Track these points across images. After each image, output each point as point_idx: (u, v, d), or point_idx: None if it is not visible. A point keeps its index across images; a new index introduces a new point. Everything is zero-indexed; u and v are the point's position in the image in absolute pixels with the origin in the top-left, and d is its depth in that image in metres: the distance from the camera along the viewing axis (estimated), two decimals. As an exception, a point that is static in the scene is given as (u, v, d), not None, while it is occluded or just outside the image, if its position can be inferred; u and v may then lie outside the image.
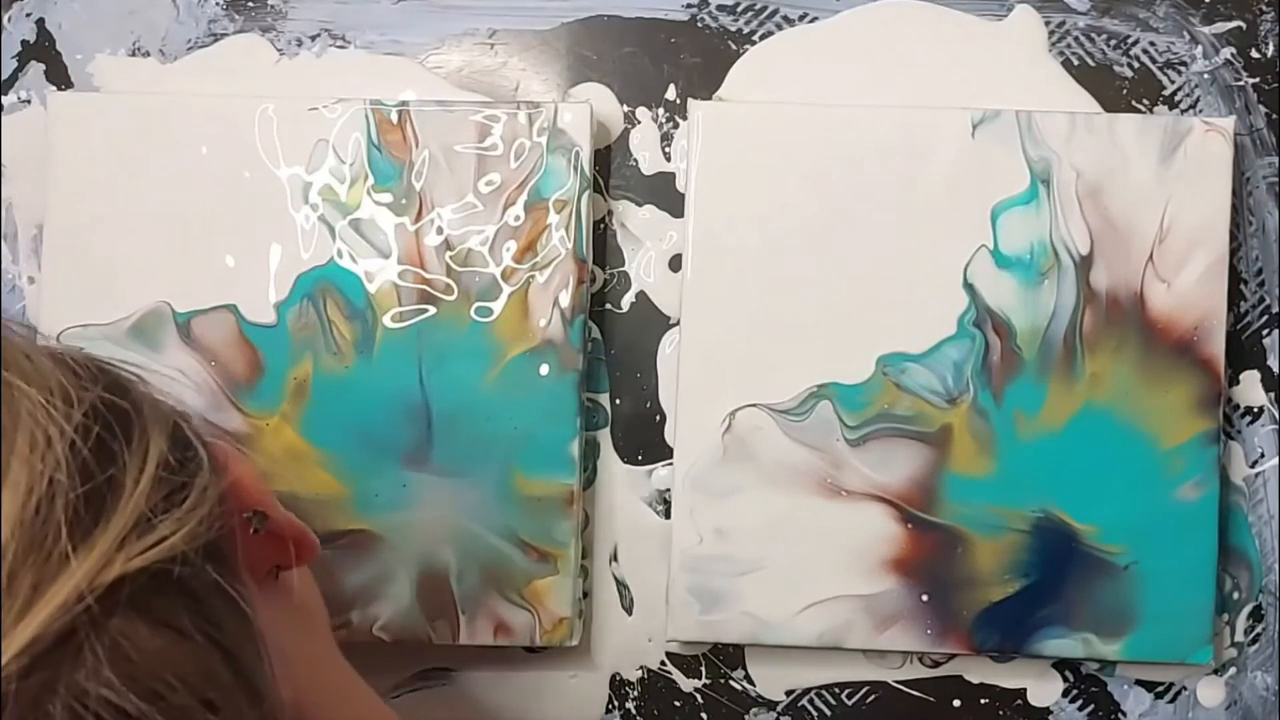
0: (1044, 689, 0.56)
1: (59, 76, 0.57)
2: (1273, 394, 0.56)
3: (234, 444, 0.36)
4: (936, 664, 0.56)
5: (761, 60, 0.57)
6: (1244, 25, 0.57)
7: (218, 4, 0.57)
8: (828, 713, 0.56)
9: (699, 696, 0.56)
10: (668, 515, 0.55)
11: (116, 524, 0.28)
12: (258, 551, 0.36)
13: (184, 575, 0.28)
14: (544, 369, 0.53)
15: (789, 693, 0.56)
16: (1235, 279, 0.56)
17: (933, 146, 0.54)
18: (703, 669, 0.56)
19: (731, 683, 0.56)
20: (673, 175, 0.57)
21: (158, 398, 0.32)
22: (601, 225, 0.57)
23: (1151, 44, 0.57)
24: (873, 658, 0.56)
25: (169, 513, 0.29)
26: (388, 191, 0.54)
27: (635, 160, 0.57)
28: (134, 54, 0.57)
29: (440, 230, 0.54)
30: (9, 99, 0.57)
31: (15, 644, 0.25)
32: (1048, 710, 0.56)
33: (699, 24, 0.57)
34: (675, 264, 0.57)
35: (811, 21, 0.57)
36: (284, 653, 0.32)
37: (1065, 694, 0.56)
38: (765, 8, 0.57)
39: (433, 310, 0.54)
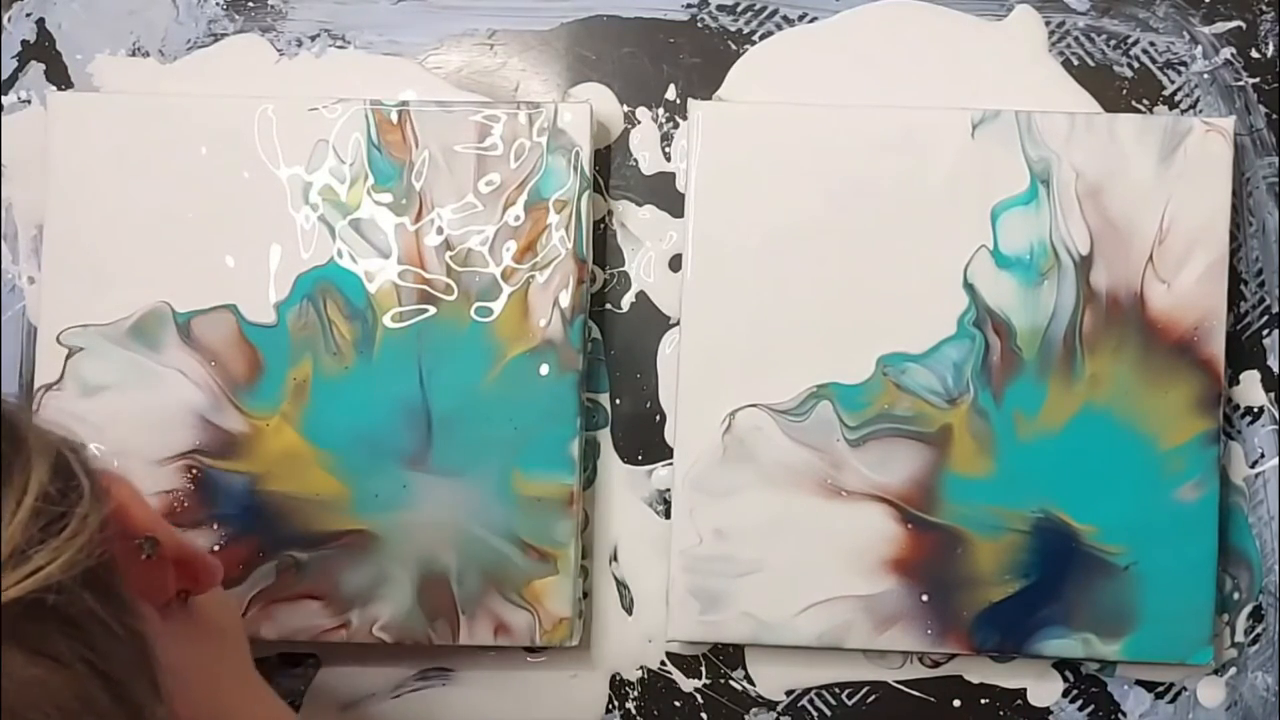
0: (1044, 689, 0.56)
1: (59, 76, 0.57)
2: (1273, 394, 0.56)
3: (118, 473, 0.36)
4: (936, 664, 0.56)
5: (761, 60, 0.57)
6: (1244, 25, 0.57)
7: (218, 4, 0.57)
8: (828, 713, 0.56)
9: (699, 696, 0.56)
10: (668, 515, 0.55)
11: None
12: (155, 577, 0.36)
13: (61, 603, 0.29)
14: (544, 369, 0.53)
15: (789, 693, 0.56)
16: (1235, 279, 0.56)
17: (933, 146, 0.54)
18: (703, 669, 0.56)
19: (731, 683, 0.56)
20: (673, 175, 0.57)
21: (45, 429, 0.33)
22: (601, 225, 0.57)
23: (1151, 44, 0.57)
24: (873, 658, 0.56)
25: (45, 543, 0.29)
26: (388, 191, 0.54)
27: (635, 160, 0.57)
28: (134, 54, 0.57)
29: (440, 230, 0.54)
30: (9, 99, 0.57)
31: None
32: (1048, 710, 0.56)
33: (699, 24, 0.57)
34: (675, 264, 0.57)
35: (811, 21, 0.57)
36: (187, 675, 0.32)
37: (1065, 694, 0.56)
38: (765, 8, 0.57)
39: (433, 310, 0.54)
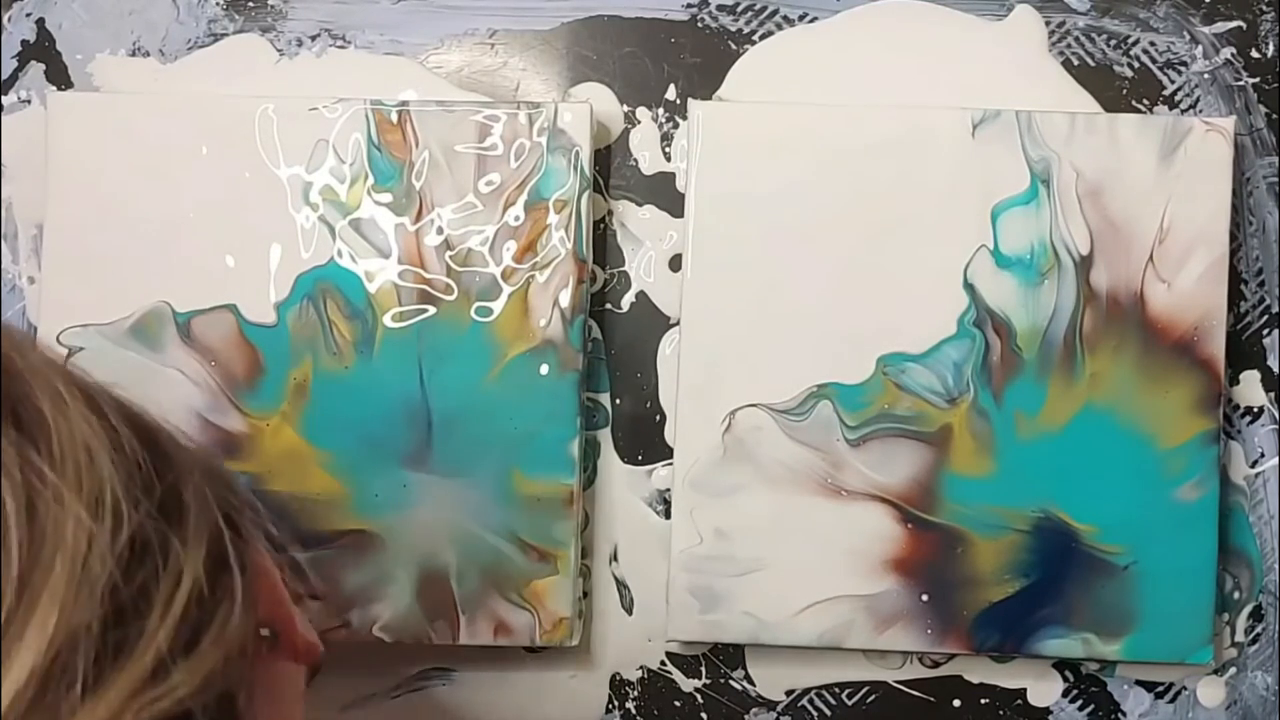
0: (1044, 689, 0.56)
1: (59, 76, 0.57)
2: (1273, 394, 0.56)
3: (257, 547, 0.31)
4: (936, 664, 0.56)
5: (761, 60, 0.57)
6: (1244, 25, 0.57)
7: (218, 4, 0.57)
8: (828, 713, 0.56)
9: (699, 696, 0.56)
10: (668, 515, 0.55)
11: (134, 671, 0.24)
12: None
13: None
14: (544, 369, 0.53)
15: (789, 693, 0.56)
16: (1235, 279, 0.56)
17: (933, 146, 0.54)
18: (703, 669, 0.56)
19: (731, 683, 0.56)
20: (673, 175, 0.57)
21: (207, 491, 0.28)
22: (601, 225, 0.57)
23: (1151, 44, 0.57)
24: (873, 658, 0.56)
25: (189, 655, 0.25)
26: (388, 191, 0.54)
27: (635, 160, 0.57)
28: (134, 54, 0.57)
29: (440, 230, 0.54)
30: (9, 99, 0.57)
31: None
32: (1048, 710, 0.56)
33: (699, 24, 0.57)
34: (675, 264, 0.57)
35: (811, 21, 0.57)
36: None
37: (1065, 694, 0.56)
38: (765, 8, 0.57)
39: (433, 310, 0.54)
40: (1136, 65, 0.57)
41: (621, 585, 0.56)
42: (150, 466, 0.27)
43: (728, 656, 0.56)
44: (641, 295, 0.57)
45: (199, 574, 0.26)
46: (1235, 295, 0.56)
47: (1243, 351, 0.56)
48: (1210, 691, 0.56)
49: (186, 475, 0.28)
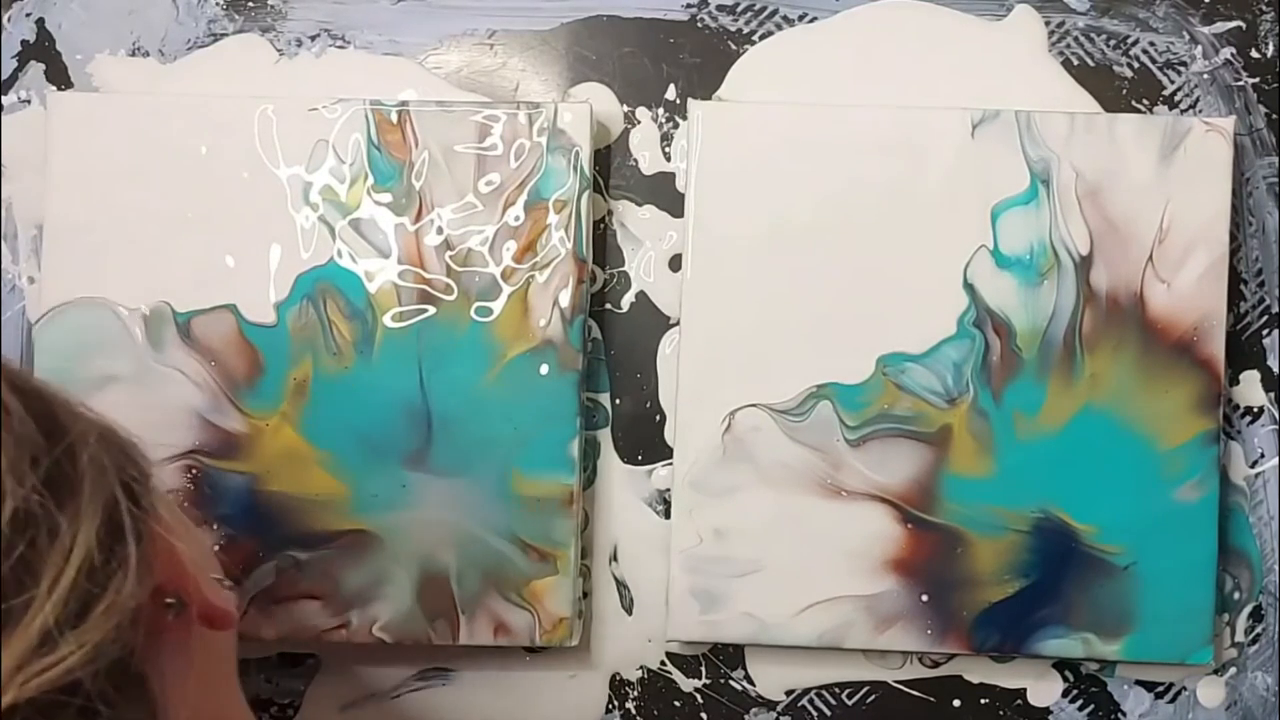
0: (1044, 689, 0.56)
1: (59, 76, 0.57)
2: (1273, 394, 0.56)
3: (160, 511, 0.31)
4: (936, 664, 0.56)
5: (761, 60, 0.57)
6: (1244, 25, 0.57)
7: (218, 4, 0.57)
8: (828, 713, 0.56)
9: (699, 696, 0.56)
10: (668, 515, 0.55)
11: (18, 644, 0.24)
12: (169, 623, 0.32)
13: (82, 700, 0.25)
14: (544, 369, 0.53)
15: (789, 693, 0.56)
16: (1235, 279, 0.56)
17: (933, 146, 0.54)
18: (703, 669, 0.56)
19: (731, 683, 0.56)
20: (673, 175, 0.57)
21: (105, 461, 0.28)
22: (601, 225, 0.57)
23: (1151, 44, 0.57)
24: (873, 658, 0.56)
25: (78, 626, 0.25)
26: (388, 191, 0.54)
27: (635, 160, 0.57)
28: (134, 54, 0.57)
29: (440, 230, 0.54)
30: (9, 99, 0.57)
31: None
32: (1048, 710, 0.56)
33: (699, 24, 0.57)
34: (675, 264, 0.57)
35: (811, 21, 0.57)
36: (178, 682, 0.30)
37: (1065, 694, 0.56)
38: (765, 8, 0.57)
39: (433, 310, 0.54)
40: (1136, 65, 0.57)
41: (621, 585, 0.56)
42: (41, 439, 0.27)
43: (728, 656, 0.56)
44: (641, 295, 0.57)
45: (91, 545, 0.26)
46: (1235, 295, 0.56)
47: (1243, 351, 0.56)
48: (1210, 692, 0.56)
49: (81, 445, 0.28)
